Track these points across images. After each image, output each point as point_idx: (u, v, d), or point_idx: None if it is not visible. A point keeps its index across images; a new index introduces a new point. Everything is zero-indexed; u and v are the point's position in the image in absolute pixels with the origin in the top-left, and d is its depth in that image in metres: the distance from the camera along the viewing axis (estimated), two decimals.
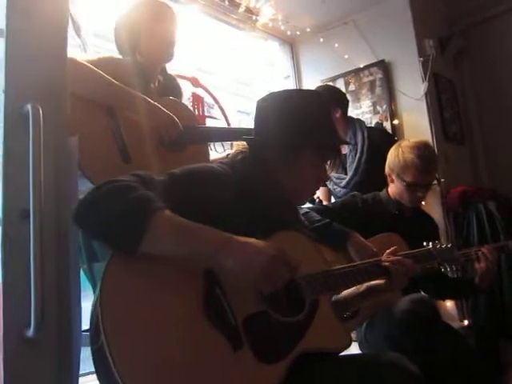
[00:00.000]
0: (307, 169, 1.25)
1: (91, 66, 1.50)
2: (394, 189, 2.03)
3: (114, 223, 0.91)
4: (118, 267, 0.90)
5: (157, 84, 1.82)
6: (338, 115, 2.69)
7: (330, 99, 2.63)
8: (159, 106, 1.63)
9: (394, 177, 2.01)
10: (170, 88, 1.89)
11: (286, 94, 1.32)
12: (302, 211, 1.77)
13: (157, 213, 0.91)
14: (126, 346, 0.82)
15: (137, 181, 0.98)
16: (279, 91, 1.33)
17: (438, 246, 1.61)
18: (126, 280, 0.89)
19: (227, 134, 1.91)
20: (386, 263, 1.32)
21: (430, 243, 1.63)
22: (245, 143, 1.30)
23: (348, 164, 2.68)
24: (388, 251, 1.38)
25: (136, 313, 0.87)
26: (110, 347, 0.80)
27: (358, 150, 2.64)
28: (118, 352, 0.80)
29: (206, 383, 0.89)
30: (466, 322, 2.78)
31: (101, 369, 0.87)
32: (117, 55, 1.77)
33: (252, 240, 0.98)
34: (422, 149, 1.97)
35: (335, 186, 2.73)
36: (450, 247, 1.63)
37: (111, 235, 0.92)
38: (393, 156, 2.03)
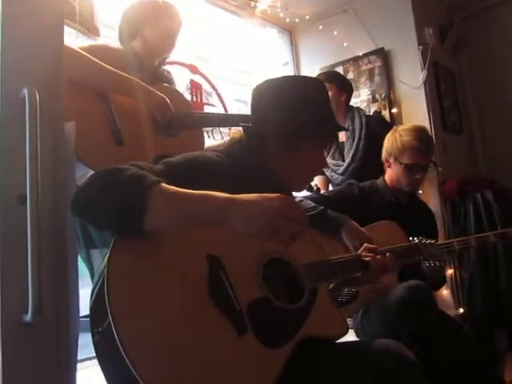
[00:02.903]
0: (307, 158, 1.25)
1: (82, 52, 1.49)
2: (391, 174, 2.04)
3: (113, 208, 0.89)
4: (123, 251, 0.89)
5: (149, 73, 1.80)
6: (342, 99, 2.72)
7: (338, 83, 2.70)
8: (151, 88, 1.63)
9: (391, 161, 2.03)
10: (164, 77, 1.89)
11: (283, 81, 1.30)
12: (297, 199, 1.77)
13: (152, 188, 0.89)
14: (133, 328, 0.82)
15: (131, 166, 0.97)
16: (276, 78, 1.31)
17: (424, 242, 1.63)
18: (131, 264, 0.89)
19: (222, 120, 1.90)
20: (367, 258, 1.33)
21: (416, 238, 1.65)
22: (241, 130, 1.29)
23: (346, 151, 2.69)
24: (368, 246, 1.40)
25: (142, 296, 0.87)
26: (118, 329, 0.79)
27: (356, 137, 2.64)
28: (126, 334, 0.80)
29: (211, 366, 0.89)
30: (461, 310, 2.80)
31: (104, 352, 0.87)
32: (110, 44, 1.76)
33: (253, 197, 0.93)
34: (418, 131, 2.01)
35: (333, 173, 2.73)
36: (434, 243, 1.65)
37: (113, 221, 0.91)
38: (390, 140, 2.05)
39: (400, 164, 1.98)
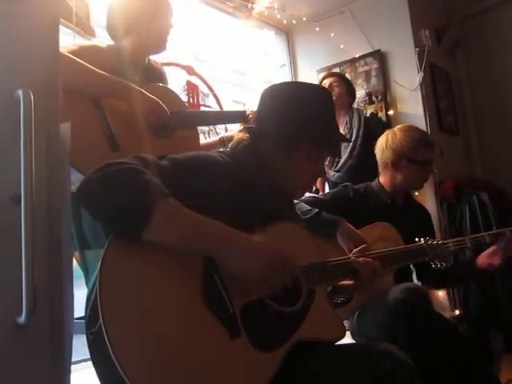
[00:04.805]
0: (303, 162, 1.24)
1: (72, 57, 1.46)
2: (394, 176, 1.98)
3: (119, 208, 0.89)
4: (117, 252, 0.89)
5: (140, 71, 1.76)
6: (347, 99, 2.82)
7: (348, 83, 2.86)
8: (143, 90, 1.59)
9: (403, 163, 1.96)
10: (157, 72, 1.85)
11: (288, 85, 1.33)
12: None
13: (161, 202, 0.90)
14: (123, 329, 0.82)
15: (141, 164, 0.97)
16: (282, 82, 1.34)
17: (430, 243, 1.63)
18: (124, 265, 0.89)
19: (216, 117, 1.89)
20: (356, 263, 1.31)
21: (422, 239, 1.64)
22: (245, 132, 1.29)
23: (342, 148, 2.71)
24: (355, 250, 1.40)
25: (135, 297, 0.87)
26: (108, 331, 0.79)
27: (354, 134, 2.69)
28: (115, 335, 0.80)
29: (203, 369, 0.89)
30: (457, 312, 2.81)
31: (96, 353, 0.87)
32: (99, 43, 1.72)
33: (253, 238, 0.98)
34: (417, 128, 2.04)
35: (329, 171, 2.74)
36: (441, 244, 1.65)
37: (115, 220, 0.90)
38: (396, 142, 1.98)
39: (415, 163, 1.93)
